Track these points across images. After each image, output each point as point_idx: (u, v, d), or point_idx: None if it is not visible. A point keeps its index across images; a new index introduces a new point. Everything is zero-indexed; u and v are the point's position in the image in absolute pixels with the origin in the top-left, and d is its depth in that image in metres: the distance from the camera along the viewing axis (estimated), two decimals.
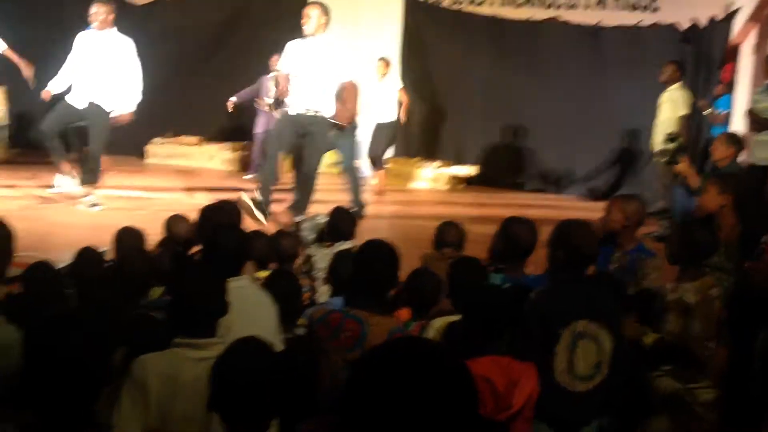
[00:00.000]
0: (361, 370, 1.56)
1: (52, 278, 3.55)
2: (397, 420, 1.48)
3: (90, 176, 7.51)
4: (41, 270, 3.61)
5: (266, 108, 9.68)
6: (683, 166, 6.21)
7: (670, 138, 7.15)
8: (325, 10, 6.88)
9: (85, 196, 7.52)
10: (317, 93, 6.87)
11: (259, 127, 10.12)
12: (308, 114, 6.86)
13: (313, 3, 6.94)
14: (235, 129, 11.50)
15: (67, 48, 7.70)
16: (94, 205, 7.48)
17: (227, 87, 10.44)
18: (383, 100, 9.85)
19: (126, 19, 9.45)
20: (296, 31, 7.07)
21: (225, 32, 11.76)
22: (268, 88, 9.45)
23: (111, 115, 7.49)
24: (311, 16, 6.79)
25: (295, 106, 6.88)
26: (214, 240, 3.47)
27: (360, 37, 10.49)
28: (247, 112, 10.49)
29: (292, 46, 6.98)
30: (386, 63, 10.07)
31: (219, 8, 11.98)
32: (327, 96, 6.95)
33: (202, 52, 11.75)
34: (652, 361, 3.69)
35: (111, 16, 7.40)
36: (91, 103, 7.36)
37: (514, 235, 4.03)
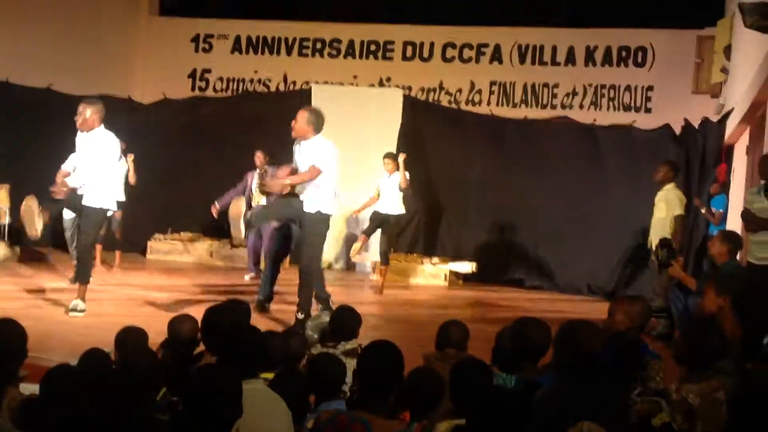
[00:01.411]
0: None
1: (74, 382, 3.48)
2: None
3: (80, 275, 7.44)
4: (64, 374, 3.53)
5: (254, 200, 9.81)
6: (676, 269, 6.28)
7: (663, 243, 7.24)
8: (313, 114, 7.06)
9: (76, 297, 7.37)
10: (305, 190, 6.99)
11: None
12: (296, 210, 6.96)
13: (304, 108, 7.17)
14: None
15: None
16: (74, 310, 7.22)
17: (224, 183, 10.57)
18: (391, 195, 9.96)
19: (133, 116, 9.74)
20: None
21: (227, 131, 12.01)
22: (251, 181, 9.66)
23: (103, 213, 7.49)
24: (298, 120, 7.02)
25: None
26: (232, 341, 3.46)
27: (365, 131, 10.74)
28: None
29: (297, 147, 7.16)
30: (393, 159, 10.17)
31: (222, 108, 12.29)
32: (317, 192, 7.02)
33: (204, 150, 11.97)
34: None
35: (95, 116, 7.35)
36: (84, 201, 7.37)
37: (528, 337, 4.03)
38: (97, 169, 7.29)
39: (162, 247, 11.69)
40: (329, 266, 11.13)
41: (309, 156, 7.00)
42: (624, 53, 12.74)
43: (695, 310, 5.22)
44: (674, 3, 12.74)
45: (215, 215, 9.89)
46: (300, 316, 6.85)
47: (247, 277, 10.14)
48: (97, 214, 7.42)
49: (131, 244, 10.96)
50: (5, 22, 11.55)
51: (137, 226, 10.70)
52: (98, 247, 9.28)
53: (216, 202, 9.80)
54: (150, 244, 11.67)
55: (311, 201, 7.01)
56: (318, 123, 7.06)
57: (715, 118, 10.45)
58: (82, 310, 7.22)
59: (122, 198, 9.16)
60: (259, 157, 10.23)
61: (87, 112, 7.31)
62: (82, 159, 7.41)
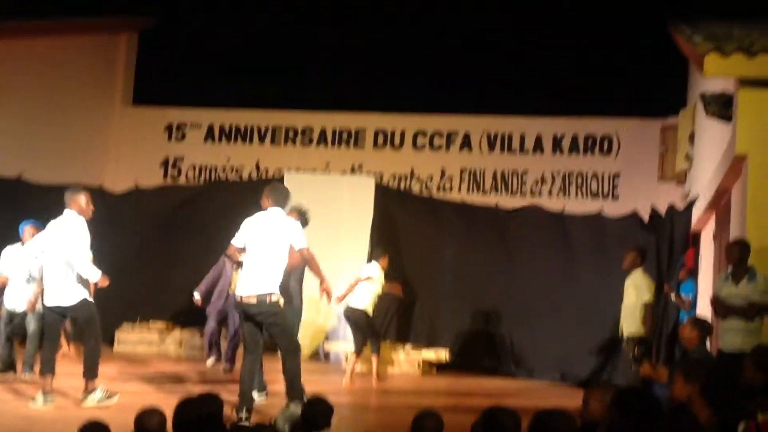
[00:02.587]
0: None
1: None
2: None
3: (89, 372, 7.26)
4: None
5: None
6: (646, 369, 6.28)
7: (639, 341, 7.29)
8: (272, 189, 6.98)
9: (91, 391, 7.20)
10: (264, 273, 6.67)
11: (212, 311, 10.05)
12: (251, 302, 6.66)
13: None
14: (204, 314, 11.46)
15: None
16: (108, 397, 7.17)
17: (196, 272, 10.47)
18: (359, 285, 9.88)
19: (104, 206, 9.68)
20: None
21: (199, 219, 11.97)
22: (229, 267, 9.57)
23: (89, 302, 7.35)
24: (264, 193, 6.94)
25: (240, 290, 6.75)
26: None
27: (338, 219, 10.78)
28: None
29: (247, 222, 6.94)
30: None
31: (194, 196, 12.28)
32: (274, 274, 6.71)
33: (176, 238, 11.90)
34: None
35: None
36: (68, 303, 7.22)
37: (499, 426, 3.98)
38: (73, 259, 7.12)
39: (130, 337, 11.49)
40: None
41: (275, 230, 6.78)
42: (590, 141, 13.05)
43: (667, 397, 5.19)
44: (638, 93, 13.14)
45: (200, 303, 9.79)
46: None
47: (209, 362, 9.92)
48: (88, 308, 7.27)
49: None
50: None
51: (104, 317, 10.48)
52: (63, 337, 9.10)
53: (196, 292, 9.71)
54: (118, 334, 11.47)
55: (265, 287, 6.69)
56: (276, 197, 6.87)
57: (681, 205, 10.64)
58: (109, 396, 7.15)
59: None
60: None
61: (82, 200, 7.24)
62: (53, 250, 7.21)
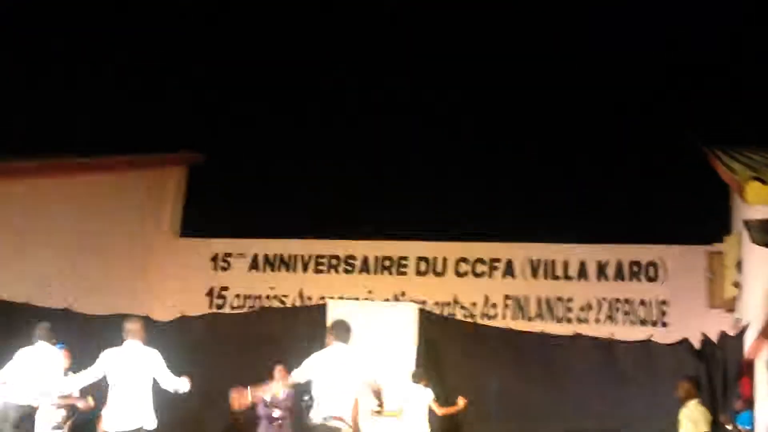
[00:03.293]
0: None
1: None
2: None
3: None
4: None
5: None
6: None
7: None
8: (335, 326, 6.98)
9: None
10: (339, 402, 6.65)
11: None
12: (328, 424, 6.64)
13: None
14: None
15: None
16: None
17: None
18: (416, 410, 9.76)
19: (150, 334, 9.71)
20: (312, 347, 7.16)
21: (243, 347, 11.96)
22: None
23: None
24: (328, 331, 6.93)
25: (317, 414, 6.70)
26: None
27: (381, 346, 10.69)
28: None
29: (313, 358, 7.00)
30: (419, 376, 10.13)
31: (238, 323, 12.32)
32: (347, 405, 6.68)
33: (220, 366, 11.84)
34: None
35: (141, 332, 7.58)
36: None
37: None
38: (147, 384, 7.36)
39: None
40: None
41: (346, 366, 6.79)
42: (635, 268, 12.93)
43: None
44: (682, 219, 13.10)
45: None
46: None
47: None
48: None
49: None
50: (26, 244, 11.88)
51: None
52: None
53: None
54: None
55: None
56: (338, 333, 6.90)
57: (732, 333, 10.37)
58: None
59: None
60: (280, 371, 10.11)
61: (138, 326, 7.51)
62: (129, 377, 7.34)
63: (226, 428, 11.28)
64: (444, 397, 11.48)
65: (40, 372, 8.23)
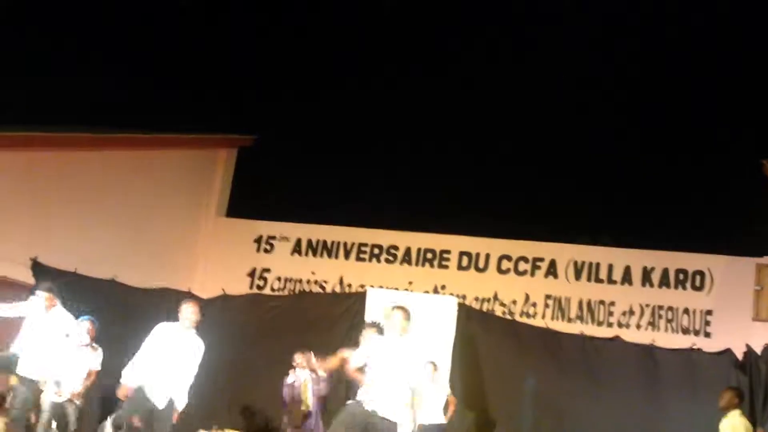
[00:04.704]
0: None
1: None
2: None
3: None
4: None
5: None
6: None
7: None
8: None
9: None
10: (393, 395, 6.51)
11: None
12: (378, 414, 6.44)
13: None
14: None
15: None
16: None
17: (274, 382, 10.48)
18: (430, 403, 9.72)
19: None
20: (350, 335, 7.18)
21: (282, 329, 12.05)
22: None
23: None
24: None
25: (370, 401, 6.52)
26: None
27: (418, 338, 10.65)
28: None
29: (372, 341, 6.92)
30: (434, 367, 10.06)
31: (278, 306, 12.41)
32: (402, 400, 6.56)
33: (258, 348, 11.97)
34: None
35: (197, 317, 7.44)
36: (168, 400, 7.25)
37: None
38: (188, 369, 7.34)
39: None
40: None
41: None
42: (681, 276, 12.71)
43: None
44: (731, 230, 12.86)
45: None
46: None
47: None
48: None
49: None
50: (77, 214, 12.10)
51: (181, 422, 10.51)
52: None
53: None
54: None
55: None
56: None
57: None
58: None
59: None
60: (307, 358, 10.18)
61: (198, 312, 7.41)
62: (175, 357, 7.32)
63: (258, 405, 11.37)
64: (477, 394, 11.45)
65: None
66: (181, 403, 7.35)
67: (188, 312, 7.40)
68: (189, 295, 9.69)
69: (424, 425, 9.58)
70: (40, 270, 10.88)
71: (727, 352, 10.23)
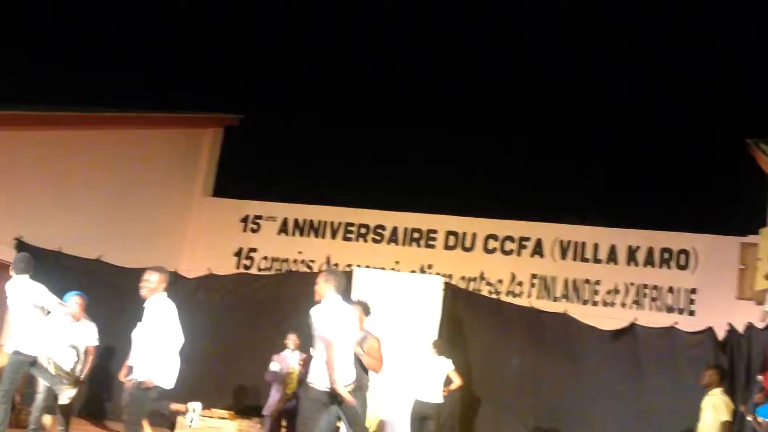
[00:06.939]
0: None
1: None
2: None
3: None
4: None
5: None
6: None
7: None
8: (328, 276, 6.72)
9: None
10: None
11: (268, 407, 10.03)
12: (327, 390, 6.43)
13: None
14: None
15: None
16: None
17: (260, 362, 10.50)
18: (433, 379, 9.79)
19: (178, 289, 9.85)
20: None
21: (268, 308, 12.06)
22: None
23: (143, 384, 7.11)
24: (317, 283, 6.72)
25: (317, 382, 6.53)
26: None
27: (404, 317, 10.72)
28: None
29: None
30: (434, 346, 10.12)
31: (265, 285, 12.41)
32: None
33: (244, 326, 11.98)
34: None
35: (162, 284, 7.14)
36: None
37: None
38: (157, 339, 7.01)
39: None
40: None
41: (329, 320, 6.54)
42: (666, 255, 12.80)
43: None
44: (716, 209, 12.94)
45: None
46: None
47: None
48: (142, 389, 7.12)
49: (160, 417, 10.76)
50: (61, 193, 12.05)
51: (168, 400, 10.55)
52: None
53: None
54: (179, 419, 11.45)
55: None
56: (337, 284, 6.63)
57: (759, 325, 10.26)
58: None
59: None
60: (293, 340, 10.19)
61: (152, 280, 7.08)
62: (143, 329, 7.14)
63: (243, 385, 11.41)
64: (463, 371, 11.51)
65: None
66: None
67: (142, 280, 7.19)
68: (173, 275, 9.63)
69: (421, 401, 9.66)
70: (24, 249, 10.83)
71: (709, 330, 10.32)
